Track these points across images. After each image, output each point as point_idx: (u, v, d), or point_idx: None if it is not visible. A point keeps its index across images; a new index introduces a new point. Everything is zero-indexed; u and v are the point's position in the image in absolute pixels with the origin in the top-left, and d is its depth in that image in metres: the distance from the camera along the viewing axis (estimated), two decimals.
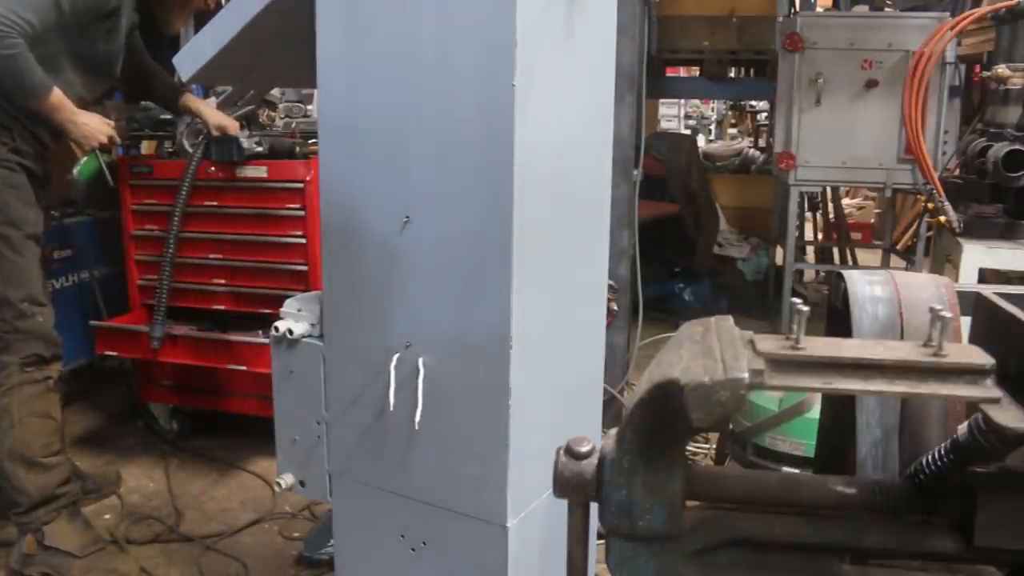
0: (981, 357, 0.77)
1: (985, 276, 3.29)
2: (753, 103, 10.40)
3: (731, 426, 2.69)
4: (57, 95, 2.50)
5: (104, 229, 3.63)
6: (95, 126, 2.65)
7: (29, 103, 2.48)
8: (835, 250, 6.15)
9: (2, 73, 2.38)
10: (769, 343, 0.79)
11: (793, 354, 0.78)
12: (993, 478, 0.81)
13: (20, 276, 2.53)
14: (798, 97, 4.44)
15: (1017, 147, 3.29)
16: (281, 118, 3.70)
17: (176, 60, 1.96)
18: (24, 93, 2.45)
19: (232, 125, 3.09)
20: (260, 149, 3.08)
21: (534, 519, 1.68)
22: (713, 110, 13.42)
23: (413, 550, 1.74)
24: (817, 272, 6.48)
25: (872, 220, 7.65)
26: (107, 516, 3.00)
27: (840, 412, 1.12)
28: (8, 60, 2.35)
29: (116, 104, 3.72)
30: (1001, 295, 0.95)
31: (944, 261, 3.66)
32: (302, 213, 3.04)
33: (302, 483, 1.89)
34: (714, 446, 3.15)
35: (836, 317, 1.09)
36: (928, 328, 0.79)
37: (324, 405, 1.81)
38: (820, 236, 6.36)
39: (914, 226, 5.61)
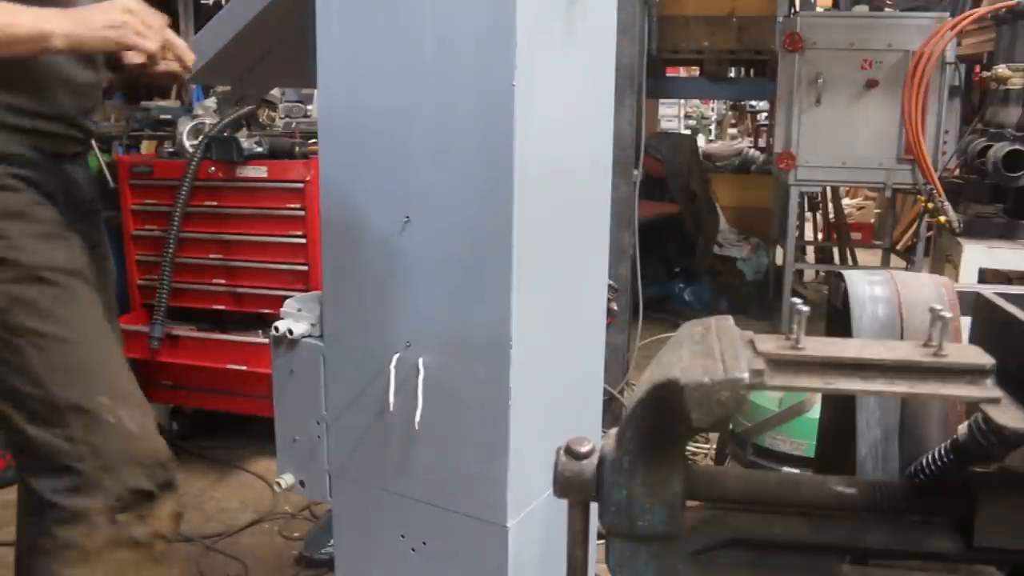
0: (981, 357, 0.77)
1: (985, 276, 3.29)
2: (753, 103, 10.41)
3: (731, 426, 2.69)
4: (10, 8, 1.31)
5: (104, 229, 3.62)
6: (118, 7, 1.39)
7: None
8: (835, 250, 6.15)
9: None
10: (769, 343, 0.79)
11: (793, 354, 0.78)
12: (993, 478, 0.81)
13: (70, 358, 1.48)
14: (798, 97, 4.44)
15: (1017, 147, 3.29)
16: (281, 118, 3.69)
17: None
18: None
19: None
20: (260, 149, 3.08)
21: (534, 519, 1.68)
22: (713, 110, 13.44)
23: (413, 550, 1.74)
24: (817, 272, 6.47)
25: (872, 220, 7.64)
26: None
27: (840, 412, 1.12)
28: None
29: (116, 104, 3.73)
30: (1001, 295, 0.95)
31: (944, 261, 3.65)
32: (302, 213, 3.04)
33: (302, 483, 1.89)
34: (714, 446, 3.15)
35: (836, 317, 1.09)
36: (928, 328, 0.79)
37: (324, 405, 1.81)
38: (820, 236, 6.36)
39: (914, 226, 5.61)
